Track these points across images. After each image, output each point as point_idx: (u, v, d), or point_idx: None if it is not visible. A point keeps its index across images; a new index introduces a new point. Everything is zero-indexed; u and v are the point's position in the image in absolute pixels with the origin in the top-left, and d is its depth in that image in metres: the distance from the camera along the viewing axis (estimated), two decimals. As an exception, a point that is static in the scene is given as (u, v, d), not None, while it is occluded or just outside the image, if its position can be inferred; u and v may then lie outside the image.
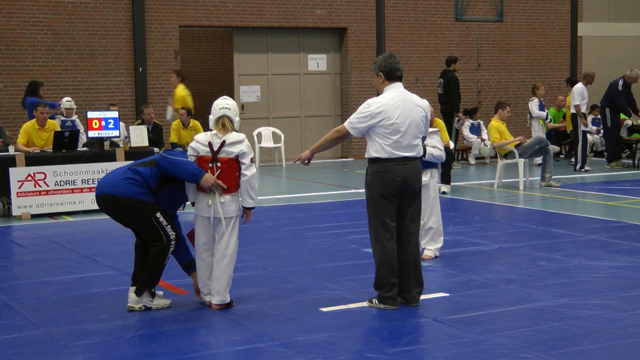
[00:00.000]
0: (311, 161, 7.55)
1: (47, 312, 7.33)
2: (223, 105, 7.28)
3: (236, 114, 7.32)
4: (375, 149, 7.13)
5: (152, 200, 7.12)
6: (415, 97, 7.28)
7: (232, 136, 7.16)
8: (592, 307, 7.08)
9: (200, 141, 7.20)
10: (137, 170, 7.17)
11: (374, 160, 7.16)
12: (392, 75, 7.24)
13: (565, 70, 24.46)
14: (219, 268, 7.23)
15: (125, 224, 7.35)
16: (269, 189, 16.75)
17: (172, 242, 7.19)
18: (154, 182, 7.15)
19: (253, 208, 7.37)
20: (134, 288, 7.31)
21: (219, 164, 7.10)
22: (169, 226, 7.16)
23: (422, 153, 7.33)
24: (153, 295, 7.35)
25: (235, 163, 7.14)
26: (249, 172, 7.17)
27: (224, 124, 7.21)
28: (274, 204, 14.03)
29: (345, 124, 7.20)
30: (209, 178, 7.04)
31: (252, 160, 7.25)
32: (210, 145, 7.13)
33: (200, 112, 21.77)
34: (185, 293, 7.87)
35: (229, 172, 7.12)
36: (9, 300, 7.78)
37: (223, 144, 7.12)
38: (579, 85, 17.97)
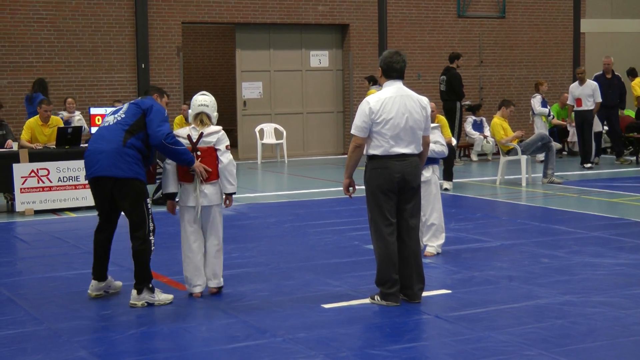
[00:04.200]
0: (355, 186, 7.44)
1: (50, 308, 7.35)
2: (201, 102, 7.68)
3: (214, 110, 7.75)
4: (373, 146, 7.14)
5: (145, 179, 7.39)
6: (413, 94, 7.28)
7: (210, 128, 7.61)
8: (595, 304, 7.08)
9: (180, 135, 7.58)
10: (133, 144, 7.27)
11: (372, 157, 7.18)
12: (389, 72, 7.26)
13: (568, 67, 24.43)
14: (212, 255, 7.60)
15: (118, 207, 7.41)
16: (270, 186, 16.77)
17: (152, 233, 7.36)
18: (144, 152, 7.39)
19: (234, 193, 7.68)
20: (95, 282, 7.56)
21: (199, 153, 7.52)
22: (151, 215, 7.38)
23: (420, 149, 7.31)
24: (152, 290, 7.37)
25: (214, 151, 7.56)
26: (225, 158, 7.57)
27: (202, 119, 7.65)
28: (275, 201, 14.04)
29: (352, 130, 7.22)
30: (198, 164, 7.47)
31: (228, 147, 7.62)
32: (189, 137, 7.56)
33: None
34: (185, 289, 7.87)
35: (210, 159, 7.53)
36: (12, 296, 7.80)
37: (201, 135, 7.56)
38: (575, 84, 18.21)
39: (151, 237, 7.37)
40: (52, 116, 13.82)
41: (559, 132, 20.79)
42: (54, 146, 13.33)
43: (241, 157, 21.44)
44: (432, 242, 9.19)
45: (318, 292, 7.67)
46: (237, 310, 7.14)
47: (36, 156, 13.01)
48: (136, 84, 19.67)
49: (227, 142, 7.67)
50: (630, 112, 20.75)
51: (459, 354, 5.89)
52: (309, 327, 6.56)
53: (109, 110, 7.60)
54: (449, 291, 7.65)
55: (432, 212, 9.09)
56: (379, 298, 7.22)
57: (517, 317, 6.77)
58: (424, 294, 7.33)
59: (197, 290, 7.61)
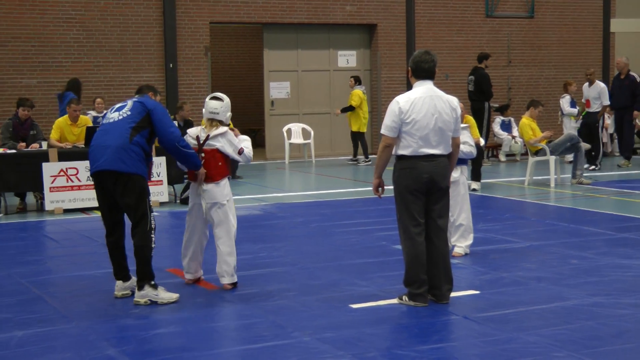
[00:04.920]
0: (384, 186, 7.44)
1: (79, 306, 7.39)
2: (212, 109, 7.94)
3: (226, 112, 7.98)
4: (402, 146, 7.12)
5: (147, 177, 7.53)
6: (444, 94, 7.26)
7: (216, 130, 7.88)
8: (625, 306, 7.02)
9: (191, 134, 7.96)
10: (138, 142, 7.36)
11: (400, 157, 7.16)
12: (418, 73, 7.24)
13: (597, 67, 24.24)
14: (224, 253, 7.85)
15: (120, 203, 7.42)
16: (298, 185, 16.78)
17: (153, 231, 7.42)
18: (147, 150, 7.50)
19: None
20: (120, 282, 7.63)
21: (203, 155, 7.83)
22: (152, 213, 7.48)
23: (450, 150, 7.28)
24: (155, 287, 7.41)
25: (217, 153, 7.84)
26: (242, 160, 8.02)
27: (212, 123, 7.94)
28: (303, 200, 14.04)
29: (381, 130, 7.20)
30: (202, 172, 7.81)
31: (241, 152, 7.95)
32: (197, 138, 7.89)
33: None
34: (214, 288, 7.90)
35: (212, 161, 7.83)
36: (42, 294, 7.86)
37: (207, 137, 7.86)
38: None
39: (152, 235, 7.41)
40: (81, 116, 13.91)
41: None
42: (83, 145, 13.41)
43: (269, 157, 21.48)
44: (461, 243, 9.15)
45: (345, 292, 7.66)
46: (264, 309, 7.15)
47: (65, 155, 13.09)
48: (164, 84, 19.75)
49: (238, 145, 7.93)
50: None
51: (487, 355, 5.86)
52: (336, 327, 6.56)
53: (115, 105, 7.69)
54: (477, 292, 7.62)
55: (460, 212, 9.05)
56: (406, 298, 7.20)
57: (545, 318, 6.73)
58: (452, 294, 7.30)
59: (187, 277, 8.12)
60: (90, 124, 14.10)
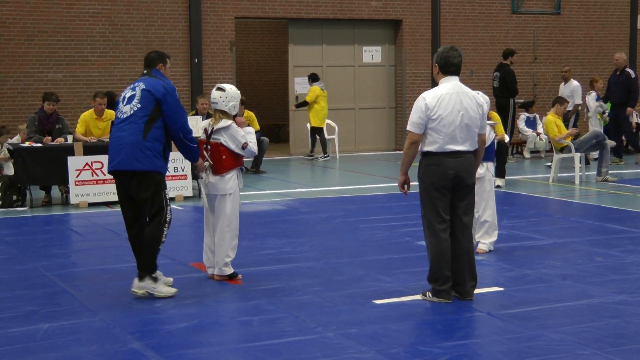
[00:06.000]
0: (410, 183, 7.42)
1: (104, 300, 7.43)
2: (212, 99, 8.03)
3: (227, 102, 7.99)
4: (428, 142, 7.10)
5: (165, 171, 7.55)
6: (470, 91, 7.24)
7: (218, 124, 7.96)
8: (650, 304, 6.98)
9: (202, 127, 8.20)
10: (153, 136, 7.36)
11: (426, 154, 7.14)
12: (446, 68, 7.20)
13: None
14: (218, 242, 7.95)
15: (136, 198, 7.42)
16: (322, 181, 16.77)
17: (167, 224, 7.43)
18: (163, 140, 7.52)
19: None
20: (135, 280, 7.54)
21: (209, 147, 7.99)
22: (169, 206, 7.50)
23: (476, 147, 7.25)
24: (155, 280, 7.43)
25: (221, 147, 7.92)
26: (246, 154, 8.08)
27: (216, 115, 8.03)
28: (327, 196, 14.04)
29: (407, 127, 7.17)
30: (200, 162, 7.96)
31: (245, 146, 7.96)
32: (206, 131, 8.06)
33: (254, 103, 21.89)
34: (238, 283, 7.92)
35: (217, 155, 7.95)
36: (67, 287, 7.91)
37: (212, 130, 7.98)
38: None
39: (165, 228, 7.43)
40: (106, 110, 13.96)
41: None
42: (108, 139, 13.44)
43: (293, 152, 21.49)
44: (485, 239, 9.12)
45: (369, 288, 7.66)
46: (288, 305, 7.16)
47: (90, 149, 13.17)
48: (189, 79, 19.81)
49: (242, 140, 7.93)
50: None
51: (512, 352, 5.84)
52: (360, 323, 6.55)
53: (125, 92, 7.56)
54: (502, 289, 7.59)
55: (485, 209, 9.02)
56: (430, 295, 7.18)
57: (570, 315, 6.70)
58: (476, 291, 7.28)
59: (210, 272, 8.14)
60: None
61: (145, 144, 7.33)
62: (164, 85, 7.50)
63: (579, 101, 17.86)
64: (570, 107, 17.73)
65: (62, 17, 18.80)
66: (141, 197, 7.40)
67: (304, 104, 20.09)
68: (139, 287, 7.42)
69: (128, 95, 7.55)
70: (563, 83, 18.22)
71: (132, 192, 7.44)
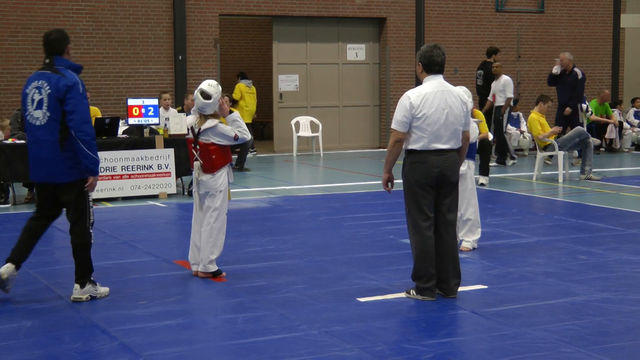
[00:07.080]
0: (394, 181, 7.43)
1: (87, 297, 7.40)
2: (198, 106, 7.94)
3: (214, 105, 7.89)
4: (412, 140, 7.11)
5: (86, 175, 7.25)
6: (454, 89, 7.26)
7: (205, 124, 7.93)
8: (634, 302, 7.01)
9: (188, 124, 8.13)
10: (71, 143, 7.05)
11: (410, 152, 7.15)
12: (430, 67, 7.21)
13: (607, 63, 24.18)
14: (204, 239, 7.96)
15: (59, 199, 7.31)
16: (306, 179, 16.77)
17: (92, 227, 7.34)
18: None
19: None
20: (10, 265, 7.29)
21: (198, 147, 7.98)
22: (91, 209, 7.36)
23: (460, 145, 7.27)
24: (95, 283, 7.39)
25: (210, 147, 7.92)
26: (240, 142, 8.09)
27: (201, 116, 7.99)
28: (311, 194, 14.04)
29: (392, 125, 7.18)
30: (93, 180, 7.24)
31: (236, 138, 7.96)
32: (192, 130, 8.05)
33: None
34: (223, 281, 7.90)
35: (206, 154, 7.94)
36: (50, 285, 7.87)
37: (199, 131, 7.95)
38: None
39: (91, 231, 7.35)
40: (90, 106, 13.88)
41: (597, 128, 20.60)
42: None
43: (277, 150, 21.47)
44: (468, 237, 9.14)
45: (354, 286, 7.66)
46: (272, 302, 7.15)
47: (74, 146, 13.07)
48: (173, 76, 19.76)
49: (231, 133, 7.91)
50: None
51: (495, 350, 5.86)
52: (344, 321, 6.56)
53: (31, 92, 7.09)
54: (485, 287, 7.61)
55: (467, 207, 9.03)
56: (414, 292, 7.20)
57: (554, 313, 6.72)
58: (460, 289, 7.30)
59: (194, 269, 8.13)
60: (100, 115, 14.11)
61: (64, 154, 7.10)
62: (67, 83, 7.04)
63: (510, 95, 17.83)
64: (502, 102, 17.79)
65: (46, 13, 18.70)
66: (65, 199, 7.30)
67: (233, 101, 20.15)
68: (82, 292, 7.30)
69: (37, 98, 7.13)
70: (495, 80, 18.08)
71: (56, 193, 7.31)
